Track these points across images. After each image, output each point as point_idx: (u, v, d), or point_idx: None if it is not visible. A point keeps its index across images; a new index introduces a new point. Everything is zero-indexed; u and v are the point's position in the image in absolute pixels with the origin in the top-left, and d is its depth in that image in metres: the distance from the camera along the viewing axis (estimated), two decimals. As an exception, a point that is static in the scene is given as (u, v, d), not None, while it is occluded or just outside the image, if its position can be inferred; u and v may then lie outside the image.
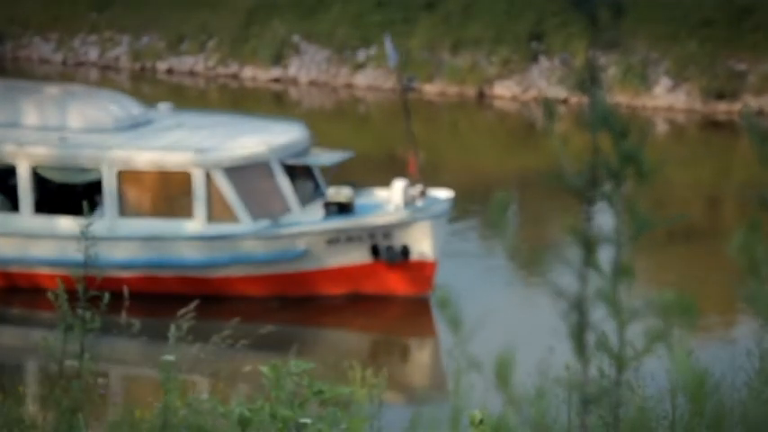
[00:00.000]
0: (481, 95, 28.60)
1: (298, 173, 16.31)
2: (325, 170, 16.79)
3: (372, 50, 29.96)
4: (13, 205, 16.32)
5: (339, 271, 15.71)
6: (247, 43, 30.69)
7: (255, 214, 15.72)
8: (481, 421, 4.74)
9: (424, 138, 17.71)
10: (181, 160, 15.81)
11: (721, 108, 27.07)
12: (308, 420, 4.55)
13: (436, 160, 19.83)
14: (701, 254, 16.82)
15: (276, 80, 30.31)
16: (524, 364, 2.31)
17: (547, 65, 28.53)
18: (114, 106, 16.95)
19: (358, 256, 15.75)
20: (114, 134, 16.38)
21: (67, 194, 16.20)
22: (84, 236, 6.25)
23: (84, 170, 16.08)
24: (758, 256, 1.74)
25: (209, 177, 15.70)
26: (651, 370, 6.02)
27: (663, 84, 27.43)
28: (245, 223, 15.67)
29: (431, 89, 29.11)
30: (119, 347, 14.38)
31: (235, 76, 30.73)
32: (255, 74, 30.57)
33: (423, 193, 15.84)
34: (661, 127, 26.98)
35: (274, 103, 27.58)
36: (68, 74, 30.84)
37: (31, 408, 7.34)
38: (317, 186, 16.66)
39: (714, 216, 16.28)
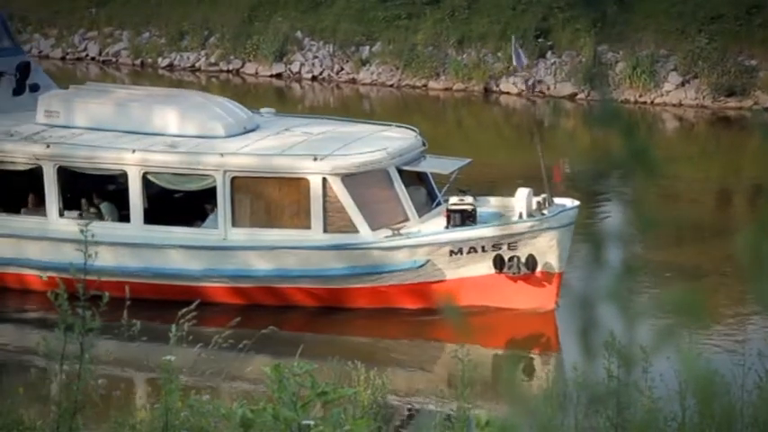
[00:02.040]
0: (487, 91, 28.51)
1: (412, 180, 15.60)
2: (439, 177, 15.93)
3: (376, 46, 29.89)
4: (123, 213, 15.73)
5: (459, 283, 14.90)
6: (249, 39, 30.62)
7: (374, 224, 14.98)
8: (487, 423, 4.68)
9: (429, 134, 17.55)
10: (298, 166, 15.06)
11: (731, 104, 26.93)
12: (310, 422, 4.49)
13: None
14: (710, 251, 16.69)
15: (278, 76, 30.25)
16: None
17: (553, 61, 28.43)
18: (224, 111, 16.38)
19: (480, 268, 14.96)
20: (226, 140, 15.73)
21: (178, 202, 15.75)
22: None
23: (197, 177, 15.41)
24: (765, 255, 1.67)
25: (326, 184, 14.98)
26: (660, 371, 5.92)
27: (672, 80, 27.29)
28: (363, 233, 14.95)
29: (436, 85, 29.03)
30: (120, 348, 14.35)
31: (237, 73, 30.68)
32: (257, 70, 30.51)
33: (548, 202, 15.07)
34: (670, 123, 26.86)
35: (277, 100, 27.48)
36: (68, 70, 30.81)
37: (31, 409, 7.29)
38: (431, 194, 15.88)
39: (724, 213, 16.17)
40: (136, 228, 15.51)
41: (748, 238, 1.67)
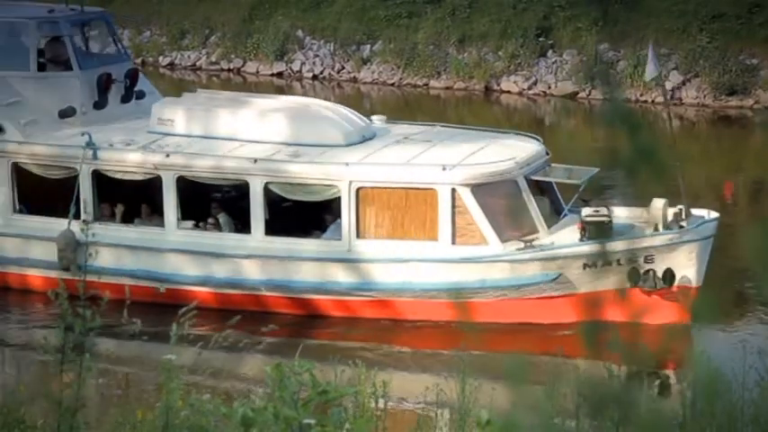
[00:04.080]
0: (488, 90, 28.50)
1: (538, 190, 15.07)
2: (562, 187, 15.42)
3: (377, 45, 29.89)
4: (243, 224, 15.27)
5: (594, 297, 14.21)
6: (250, 38, 30.62)
7: (503, 236, 14.48)
8: (488, 422, 4.67)
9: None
10: (426, 176, 14.57)
11: (732, 103, 26.93)
12: (311, 421, 4.48)
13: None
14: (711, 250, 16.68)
15: (279, 75, 30.25)
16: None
17: (554, 59, 28.42)
18: (343, 119, 15.87)
19: (615, 281, 14.12)
20: (347, 149, 15.25)
21: (299, 213, 15.29)
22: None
23: (321, 187, 14.93)
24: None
25: (455, 195, 14.49)
26: (662, 369, 5.90)
27: (673, 79, 27.29)
28: (493, 245, 14.45)
29: (437, 84, 29.03)
30: (120, 347, 14.31)
31: (237, 72, 30.67)
32: (258, 69, 30.50)
33: (685, 214, 14.55)
34: (671, 122, 26.86)
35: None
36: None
37: (32, 407, 7.28)
38: (556, 205, 15.31)
39: (725, 212, 16.15)
40: (257, 239, 15.05)
41: (754, 236, 1.66)
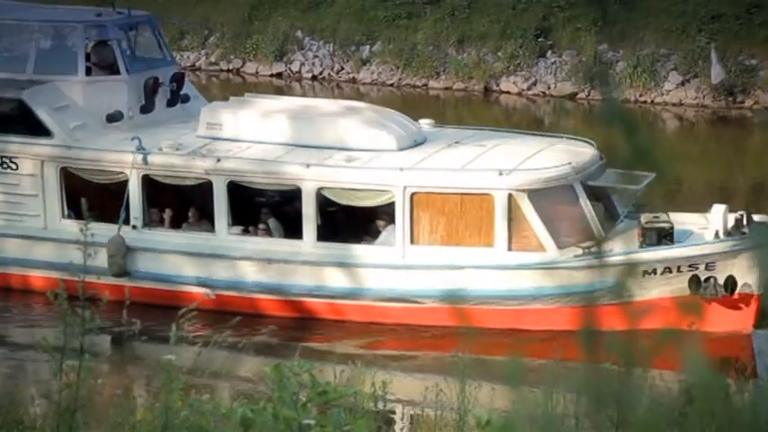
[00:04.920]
0: (487, 91, 28.50)
1: (593, 196, 14.80)
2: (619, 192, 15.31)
3: (377, 45, 29.89)
4: (294, 230, 15.07)
5: (650, 305, 13.59)
6: (249, 38, 30.61)
7: (561, 242, 14.23)
8: (488, 422, 4.68)
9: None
10: (483, 182, 14.37)
11: (732, 104, 26.95)
12: (311, 421, 4.48)
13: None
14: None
15: (279, 75, 30.24)
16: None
17: (554, 60, 28.42)
18: (394, 123, 15.65)
19: (674, 288, 14.05)
20: (399, 153, 15.04)
21: (350, 218, 15.09)
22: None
23: (375, 192, 14.71)
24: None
25: (511, 201, 14.29)
26: (661, 369, 5.91)
27: (672, 79, 27.30)
28: (550, 252, 14.20)
29: (436, 84, 29.03)
30: (120, 347, 14.30)
31: (237, 72, 30.66)
32: (258, 69, 30.50)
33: (746, 219, 14.39)
34: (670, 123, 26.87)
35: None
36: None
37: (31, 408, 7.29)
38: (612, 211, 15.08)
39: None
40: (309, 245, 14.87)
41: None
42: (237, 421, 4.55)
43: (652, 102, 27.07)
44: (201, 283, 15.07)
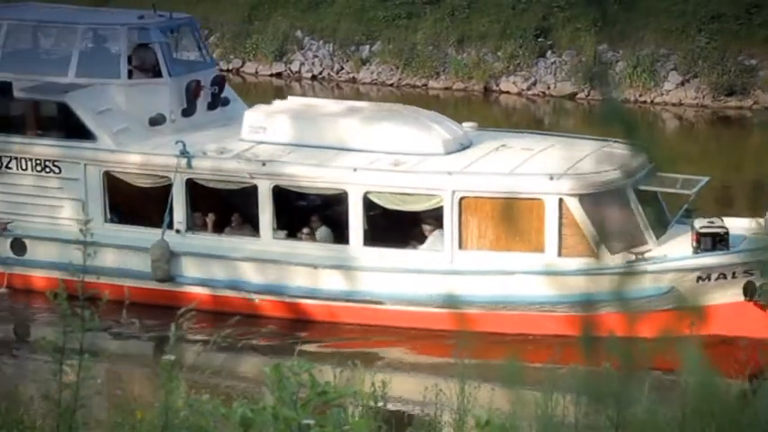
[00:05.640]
0: (487, 91, 28.51)
1: (644, 200, 14.50)
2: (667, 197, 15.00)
3: (376, 45, 29.89)
4: (340, 234, 14.88)
5: (705, 311, 13.37)
6: (249, 38, 30.61)
7: (613, 247, 13.83)
8: (487, 422, 4.68)
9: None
10: (533, 186, 14.13)
11: (731, 104, 26.94)
12: (310, 421, 4.48)
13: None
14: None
15: (278, 75, 30.24)
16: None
17: (553, 60, 28.43)
18: (440, 127, 15.39)
19: (729, 295, 13.85)
20: (446, 157, 14.85)
21: (395, 223, 14.87)
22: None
23: (423, 197, 14.51)
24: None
25: (562, 205, 14.08)
26: (660, 369, 5.91)
27: (672, 79, 27.30)
28: (602, 257, 13.87)
29: (436, 84, 29.03)
30: (120, 347, 14.28)
31: (237, 72, 30.66)
32: (257, 69, 30.50)
33: None
34: (670, 123, 26.87)
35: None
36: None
37: (31, 408, 7.30)
38: (661, 216, 14.81)
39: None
40: (355, 249, 14.71)
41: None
42: (237, 421, 4.54)
43: (652, 102, 27.07)
44: (246, 288, 14.93)
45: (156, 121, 16.09)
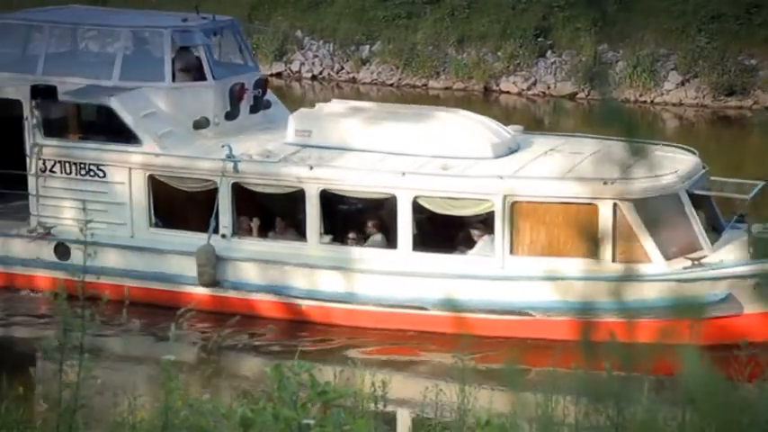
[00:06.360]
0: (487, 91, 28.52)
1: (697, 205, 14.26)
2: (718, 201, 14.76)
3: (376, 45, 29.90)
4: (389, 240, 14.67)
5: (760, 318, 13.65)
6: (249, 38, 30.60)
7: (668, 253, 13.70)
8: (487, 423, 4.68)
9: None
10: (587, 191, 13.83)
11: (731, 103, 26.94)
12: (310, 421, 4.48)
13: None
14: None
15: (278, 75, 30.25)
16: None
17: (553, 60, 28.43)
18: (489, 130, 15.21)
19: None
20: (496, 161, 14.61)
21: (444, 228, 14.63)
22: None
23: (474, 201, 14.22)
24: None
25: (617, 210, 13.77)
26: (660, 369, 5.90)
27: (672, 79, 27.30)
28: (657, 263, 13.63)
29: (436, 84, 29.03)
30: (120, 347, 14.25)
31: (238, 72, 30.66)
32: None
33: None
34: (670, 123, 26.87)
35: (278, 99, 27.45)
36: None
37: (31, 408, 7.29)
38: (715, 221, 14.62)
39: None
40: (404, 254, 14.46)
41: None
42: (237, 421, 4.55)
43: (652, 102, 27.07)
44: (293, 293, 14.79)
45: (200, 124, 15.90)
